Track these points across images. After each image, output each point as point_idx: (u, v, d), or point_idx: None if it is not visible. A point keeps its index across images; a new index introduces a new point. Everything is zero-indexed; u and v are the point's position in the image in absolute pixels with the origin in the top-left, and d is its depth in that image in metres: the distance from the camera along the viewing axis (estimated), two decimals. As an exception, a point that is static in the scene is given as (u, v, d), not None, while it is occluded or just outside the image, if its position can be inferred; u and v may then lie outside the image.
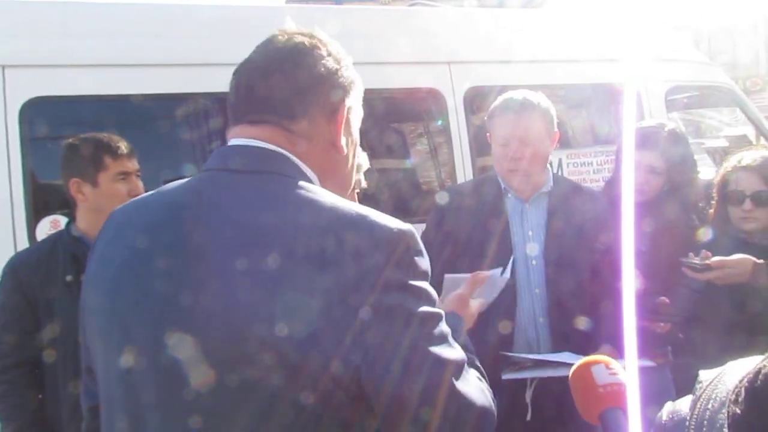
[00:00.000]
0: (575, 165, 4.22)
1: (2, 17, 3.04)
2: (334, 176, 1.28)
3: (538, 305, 2.55)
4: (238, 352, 1.04)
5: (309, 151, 1.22)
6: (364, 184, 2.25)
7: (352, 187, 1.36)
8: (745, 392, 0.79)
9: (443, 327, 1.11)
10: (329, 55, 1.25)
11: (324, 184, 1.24)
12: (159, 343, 1.10)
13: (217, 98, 3.25)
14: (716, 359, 0.98)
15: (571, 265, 2.54)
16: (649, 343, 2.55)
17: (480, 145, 4.04)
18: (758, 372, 0.79)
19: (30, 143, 2.98)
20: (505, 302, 2.49)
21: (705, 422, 0.84)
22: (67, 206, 3.08)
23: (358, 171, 2.17)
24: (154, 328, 1.12)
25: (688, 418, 0.87)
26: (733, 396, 0.81)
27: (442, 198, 2.83)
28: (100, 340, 1.22)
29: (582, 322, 2.45)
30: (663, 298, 2.53)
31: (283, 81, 1.22)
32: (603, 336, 2.42)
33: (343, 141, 1.26)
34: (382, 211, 1.12)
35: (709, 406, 0.84)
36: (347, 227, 1.08)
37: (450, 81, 3.85)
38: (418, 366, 1.04)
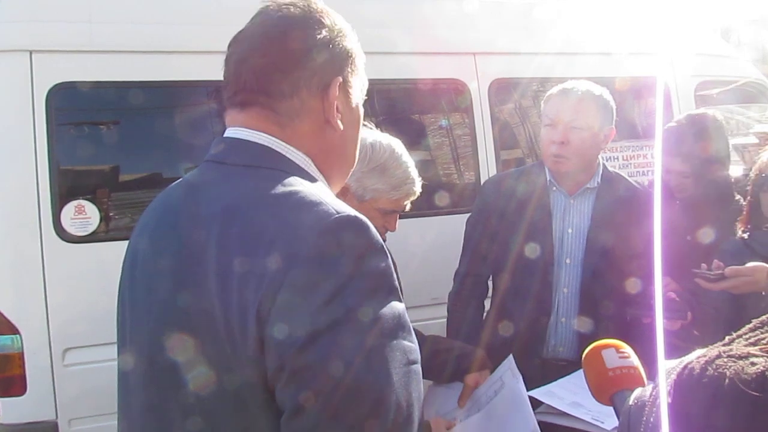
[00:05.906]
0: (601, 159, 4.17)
1: (30, 2, 3.06)
2: (332, 155, 1.24)
3: (564, 306, 2.51)
4: (235, 354, 1.02)
5: (300, 132, 1.19)
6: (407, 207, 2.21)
7: (354, 164, 1.31)
8: (675, 384, 0.84)
9: (408, 340, 1.07)
10: (323, 26, 1.20)
11: (322, 164, 1.22)
12: (157, 345, 1.10)
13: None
14: None
15: (607, 270, 2.46)
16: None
17: (504, 138, 4.01)
18: (685, 366, 0.84)
19: (56, 128, 3.01)
20: (543, 297, 2.48)
21: (656, 409, 0.88)
22: (91, 191, 3.12)
23: (408, 197, 2.14)
24: (152, 329, 1.12)
25: (648, 403, 0.92)
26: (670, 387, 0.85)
27: (486, 186, 2.76)
28: (117, 338, 1.26)
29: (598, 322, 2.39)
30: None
31: (269, 58, 1.18)
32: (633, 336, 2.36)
33: (338, 117, 1.21)
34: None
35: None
36: (323, 232, 1.04)
37: (475, 72, 3.82)
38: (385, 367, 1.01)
